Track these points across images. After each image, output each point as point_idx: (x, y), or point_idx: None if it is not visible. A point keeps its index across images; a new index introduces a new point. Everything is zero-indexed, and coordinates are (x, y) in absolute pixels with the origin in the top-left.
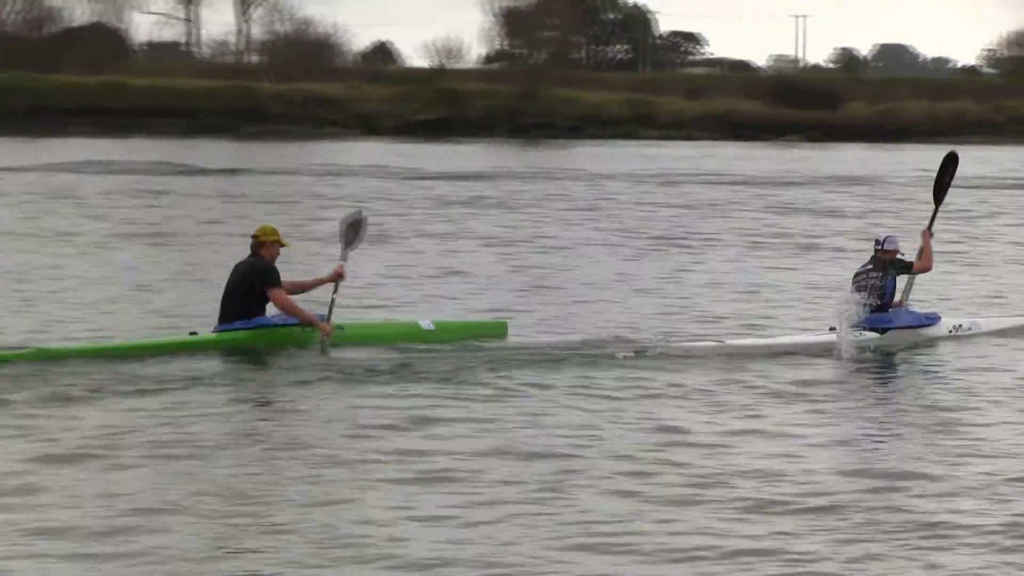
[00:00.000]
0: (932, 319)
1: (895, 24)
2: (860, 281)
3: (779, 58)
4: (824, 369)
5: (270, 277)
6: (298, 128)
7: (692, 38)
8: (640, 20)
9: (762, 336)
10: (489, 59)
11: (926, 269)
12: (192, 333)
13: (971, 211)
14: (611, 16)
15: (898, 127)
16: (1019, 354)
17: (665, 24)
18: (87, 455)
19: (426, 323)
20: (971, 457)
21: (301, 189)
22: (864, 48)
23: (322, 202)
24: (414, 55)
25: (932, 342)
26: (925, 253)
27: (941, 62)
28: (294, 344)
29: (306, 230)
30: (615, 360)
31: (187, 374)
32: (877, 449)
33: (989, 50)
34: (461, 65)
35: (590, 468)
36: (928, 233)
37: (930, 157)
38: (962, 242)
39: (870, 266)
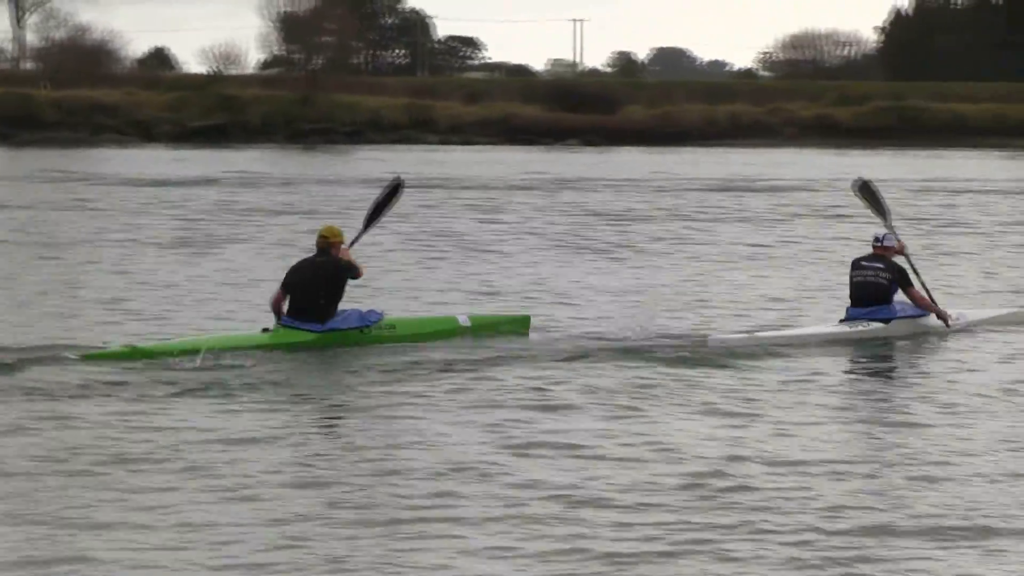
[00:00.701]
0: (924, 311)
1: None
2: (867, 274)
3: (557, 62)
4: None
5: (352, 268)
6: (75, 135)
7: (470, 43)
8: (418, 25)
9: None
10: (267, 65)
11: None
12: (264, 330)
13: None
14: (389, 21)
15: (676, 130)
16: (1009, 345)
17: (443, 29)
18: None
19: (463, 318)
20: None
21: (63, 196)
22: (641, 52)
23: (84, 209)
24: (192, 61)
25: (931, 332)
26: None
27: (718, 65)
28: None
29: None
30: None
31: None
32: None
33: (765, 53)
34: (239, 71)
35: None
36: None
37: (709, 159)
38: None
39: (880, 264)
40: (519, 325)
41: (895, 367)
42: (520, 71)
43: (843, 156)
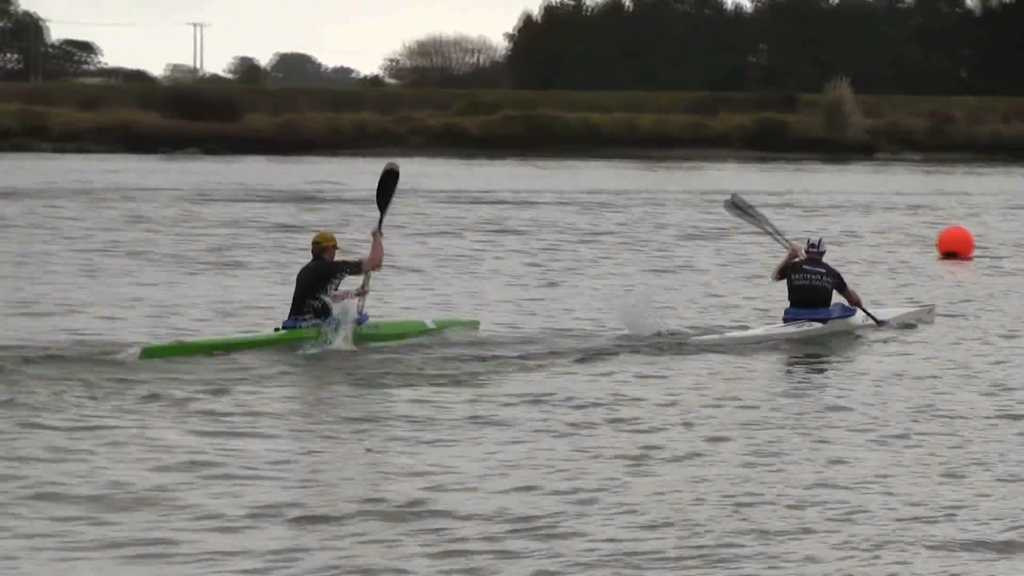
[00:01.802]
0: (851, 311)
1: (295, 33)
2: (812, 278)
3: (177, 68)
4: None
5: (348, 265)
6: None
7: (86, 47)
8: (31, 28)
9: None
10: None
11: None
12: (277, 329)
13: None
14: (1, 24)
15: (301, 139)
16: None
17: (57, 32)
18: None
19: (429, 322)
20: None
21: None
22: (264, 58)
23: None
24: None
25: (858, 329)
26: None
27: (343, 72)
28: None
29: None
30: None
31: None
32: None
33: (392, 60)
34: None
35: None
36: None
37: (330, 169)
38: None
39: (822, 269)
40: (471, 327)
41: (829, 362)
42: (138, 76)
43: (470, 166)
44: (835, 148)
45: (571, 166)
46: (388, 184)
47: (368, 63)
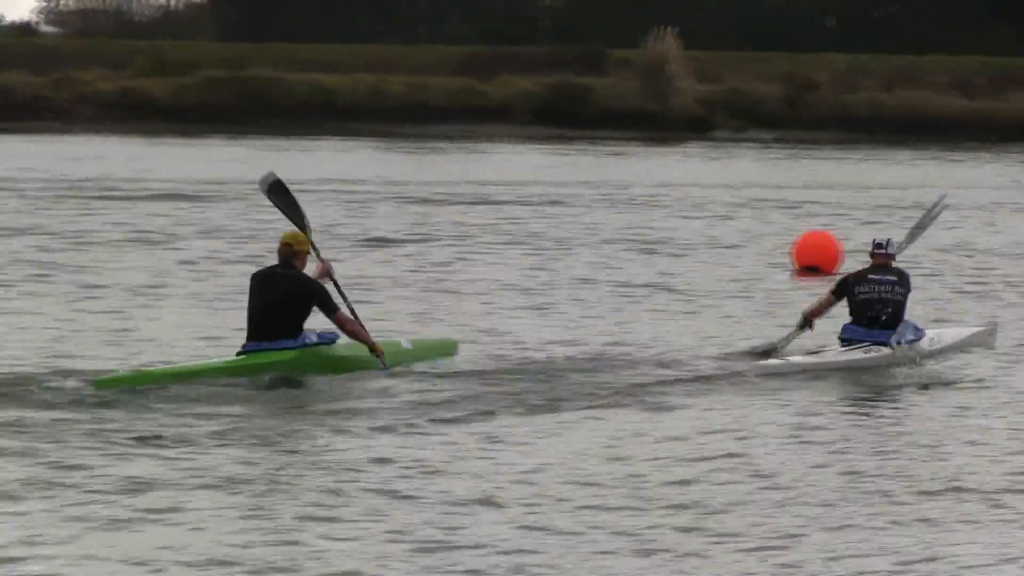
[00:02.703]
0: (922, 332)
1: None
2: (882, 290)
3: None
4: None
5: (327, 299)
6: None
7: None
8: None
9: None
10: None
11: None
12: (239, 353)
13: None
14: None
15: None
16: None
17: None
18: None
19: (405, 342)
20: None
21: None
22: None
23: None
24: None
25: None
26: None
27: None
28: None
29: None
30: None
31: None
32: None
33: (48, 1)
34: None
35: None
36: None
37: None
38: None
39: (893, 277)
40: (450, 348)
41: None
42: None
43: (157, 145)
44: (657, 124)
45: (297, 146)
46: (284, 197)
47: (15, 5)
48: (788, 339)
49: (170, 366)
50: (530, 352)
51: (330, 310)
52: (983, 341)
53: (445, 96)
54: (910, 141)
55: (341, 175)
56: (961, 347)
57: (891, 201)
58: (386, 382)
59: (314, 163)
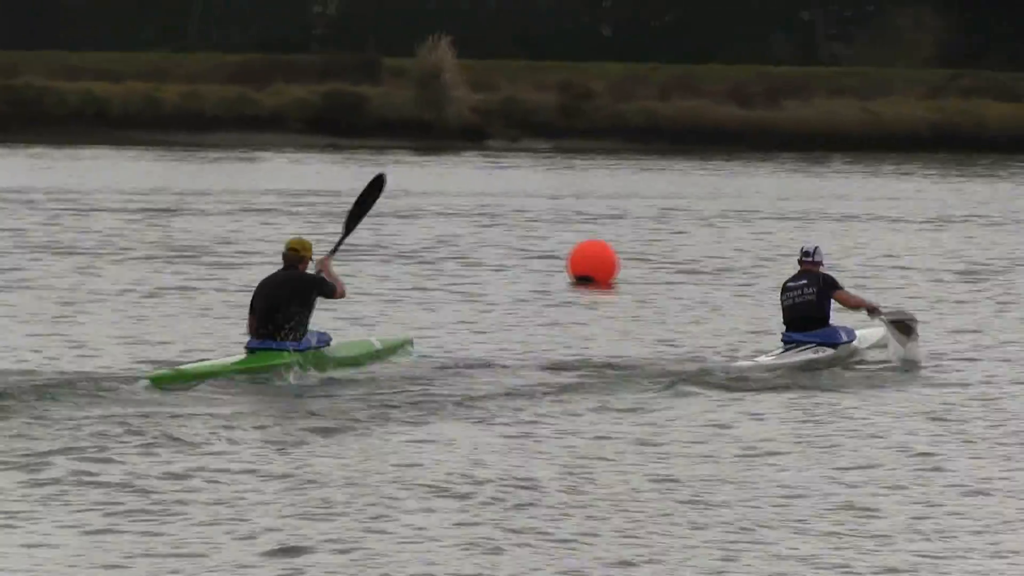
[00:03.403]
0: (852, 333)
1: None
2: (795, 296)
3: None
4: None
5: (324, 284)
6: None
7: None
8: None
9: None
10: None
11: None
12: (252, 351)
13: None
14: None
15: None
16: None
17: None
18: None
19: (376, 342)
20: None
21: None
22: None
23: None
24: None
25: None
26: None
27: None
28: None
29: None
30: None
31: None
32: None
33: None
34: None
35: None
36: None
37: None
38: None
39: (804, 280)
40: (408, 345)
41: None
42: None
43: None
44: (432, 133)
45: (68, 155)
46: (369, 197)
47: None
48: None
49: (204, 364)
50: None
51: (328, 293)
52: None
53: (219, 105)
54: (686, 150)
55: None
56: (879, 345)
57: (667, 210)
58: (381, 378)
59: (83, 172)
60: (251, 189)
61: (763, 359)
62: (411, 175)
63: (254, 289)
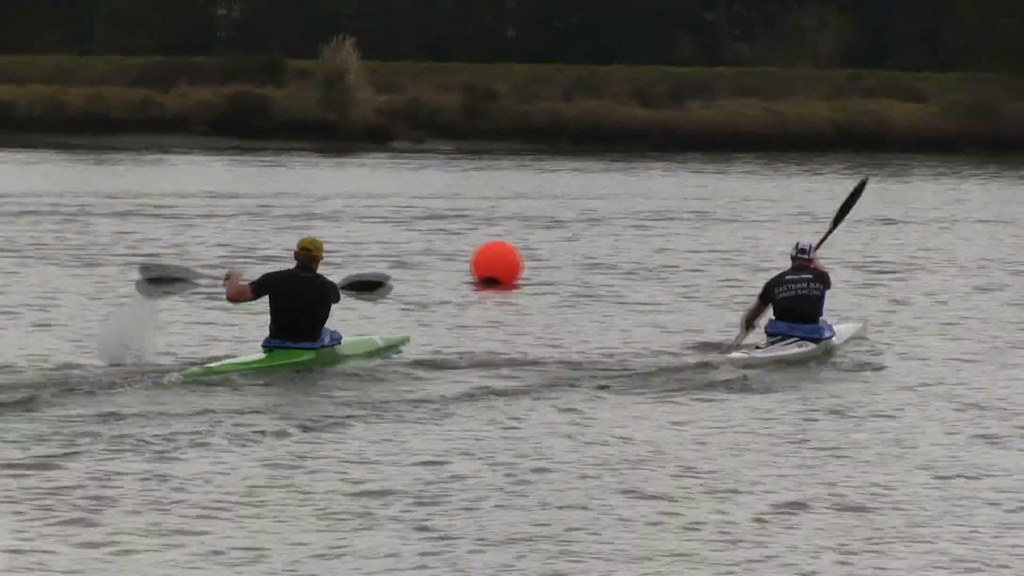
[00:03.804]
0: (832, 329)
1: None
2: (798, 288)
3: None
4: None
5: (338, 292)
6: None
7: None
8: None
9: None
10: None
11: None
12: (271, 349)
13: None
14: None
15: None
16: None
17: None
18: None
19: (379, 339)
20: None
21: None
22: None
23: None
24: None
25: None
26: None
27: None
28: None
29: None
30: None
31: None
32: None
33: None
34: None
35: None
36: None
37: None
38: None
39: (808, 275)
40: (406, 341)
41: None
42: None
43: None
44: (337, 134)
45: None
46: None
47: None
48: (737, 341)
49: (229, 361)
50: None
51: (334, 299)
52: (862, 334)
53: (124, 107)
54: (590, 151)
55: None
56: (854, 340)
57: (570, 211)
58: (387, 376)
59: None
60: (156, 192)
61: (737, 355)
62: (315, 177)
63: (266, 284)
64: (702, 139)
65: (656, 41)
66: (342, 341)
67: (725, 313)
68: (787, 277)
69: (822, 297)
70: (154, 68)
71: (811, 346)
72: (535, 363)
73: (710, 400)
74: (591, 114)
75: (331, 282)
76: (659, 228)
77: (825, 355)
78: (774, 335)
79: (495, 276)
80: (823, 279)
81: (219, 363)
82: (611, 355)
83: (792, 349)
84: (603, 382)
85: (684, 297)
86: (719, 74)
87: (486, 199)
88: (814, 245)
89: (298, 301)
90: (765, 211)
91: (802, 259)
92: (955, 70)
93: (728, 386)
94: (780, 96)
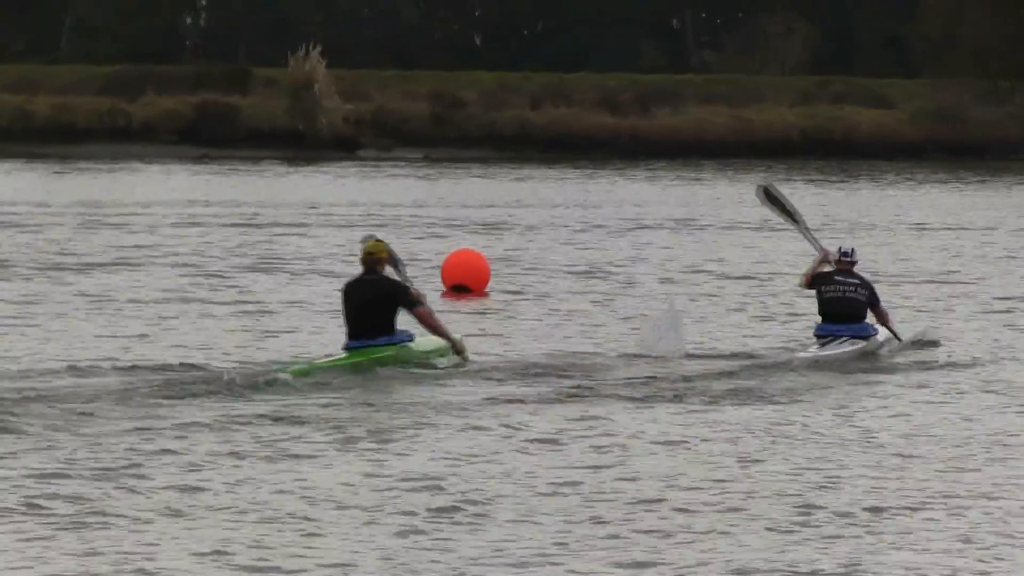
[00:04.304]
0: (876, 328)
1: None
2: (845, 290)
3: None
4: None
5: (409, 297)
6: None
7: None
8: None
9: None
10: None
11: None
12: (347, 349)
13: None
14: None
15: None
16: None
17: None
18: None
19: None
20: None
21: None
22: None
23: None
24: None
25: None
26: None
27: None
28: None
29: None
30: None
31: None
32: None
33: None
34: None
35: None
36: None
37: None
38: None
39: (856, 280)
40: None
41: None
42: None
43: None
44: (304, 143)
45: None
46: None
47: None
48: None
49: (333, 358)
50: None
51: (412, 306)
52: (927, 336)
53: (91, 116)
54: (558, 158)
55: None
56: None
57: (538, 218)
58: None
59: None
60: (121, 201)
61: (803, 354)
62: (283, 185)
63: (343, 293)
64: (670, 146)
65: (623, 49)
66: (414, 340)
67: (700, 323)
68: (836, 278)
69: (866, 302)
70: (121, 77)
71: (862, 343)
72: (516, 368)
73: (729, 406)
74: (558, 122)
75: (397, 282)
76: (631, 235)
77: (875, 351)
78: (824, 337)
79: (464, 284)
80: (868, 286)
81: (322, 361)
82: (597, 359)
83: (847, 347)
84: (675, 391)
85: (649, 300)
86: (686, 81)
87: (454, 207)
88: (855, 249)
89: (366, 302)
90: (731, 218)
91: (843, 261)
92: (921, 76)
93: (758, 391)
94: (747, 103)
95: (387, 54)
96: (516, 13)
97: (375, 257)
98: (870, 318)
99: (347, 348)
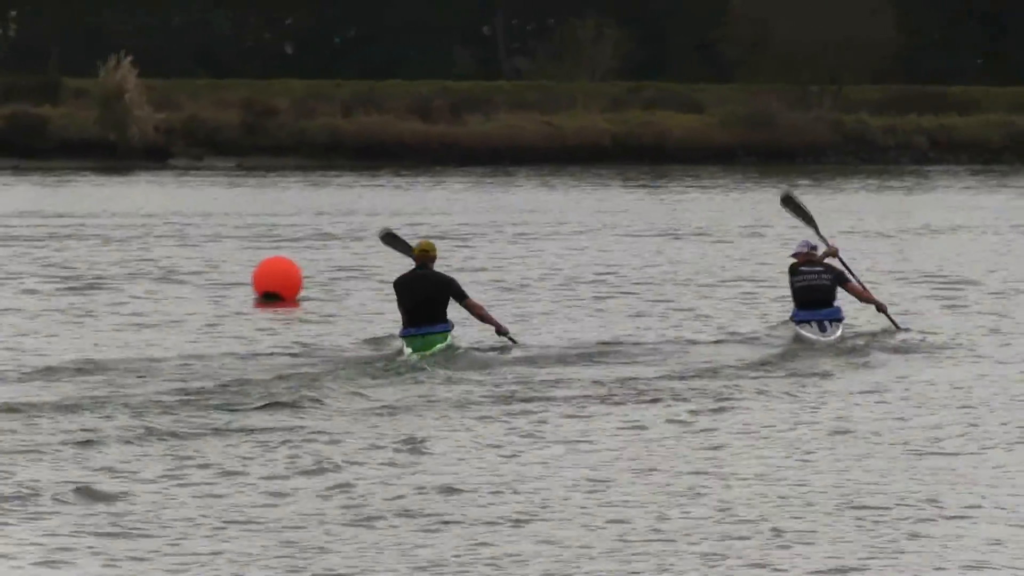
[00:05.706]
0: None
1: None
2: (811, 280)
3: None
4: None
5: (459, 288)
6: None
7: None
8: None
9: None
10: None
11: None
12: (404, 336)
13: None
14: None
15: None
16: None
17: None
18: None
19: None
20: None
21: None
22: None
23: None
24: None
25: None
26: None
27: None
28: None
29: None
30: None
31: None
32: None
33: None
34: None
35: None
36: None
37: None
38: None
39: (819, 268)
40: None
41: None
42: None
43: None
44: (116, 153)
45: None
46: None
47: None
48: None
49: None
50: None
51: (462, 297)
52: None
53: None
54: (370, 166)
55: None
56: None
57: (350, 226)
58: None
59: None
60: None
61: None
62: (94, 196)
63: (397, 286)
64: (482, 153)
65: (436, 56)
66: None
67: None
68: (801, 268)
69: (831, 284)
70: None
71: (839, 325)
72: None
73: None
74: (370, 129)
75: (448, 276)
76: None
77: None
78: (802, 322)
79: (276, 291)
80: (831, 270)
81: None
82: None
83: (838, 331)
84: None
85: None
86: (497, 88)
87: (266, 215)
88: (816, 245)
89: (421, 294)
90: (548, 224)
91: (809, 253)
92: (732, 81)
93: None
94: (559, 109)
95: (199, 63)
96: (328, 21)
97: (429, 254)
98: (842, 300)
99: (405, 335)
